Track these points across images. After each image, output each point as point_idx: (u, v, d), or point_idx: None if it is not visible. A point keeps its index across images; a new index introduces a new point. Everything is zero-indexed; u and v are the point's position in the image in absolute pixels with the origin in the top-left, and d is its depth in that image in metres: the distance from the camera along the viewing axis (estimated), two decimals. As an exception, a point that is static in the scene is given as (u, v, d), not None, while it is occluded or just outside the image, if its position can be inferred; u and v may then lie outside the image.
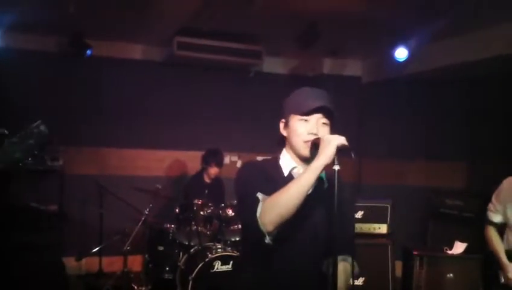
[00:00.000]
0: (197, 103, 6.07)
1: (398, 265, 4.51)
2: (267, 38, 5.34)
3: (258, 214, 1.69)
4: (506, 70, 4.77)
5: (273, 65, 6.30)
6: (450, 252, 4.24)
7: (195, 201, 4.52)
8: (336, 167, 1.67)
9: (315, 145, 1.75)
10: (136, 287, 4.47)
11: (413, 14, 4.29)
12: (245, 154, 6.07)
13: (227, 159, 5.75)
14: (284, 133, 1.91)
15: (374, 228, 4.46)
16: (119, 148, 5.83)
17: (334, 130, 1.84)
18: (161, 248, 4.66)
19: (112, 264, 5.25)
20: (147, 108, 5.86)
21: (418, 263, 4.19)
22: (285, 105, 1.91)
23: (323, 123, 1.83)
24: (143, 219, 4.62)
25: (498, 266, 3.12)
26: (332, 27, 4.69)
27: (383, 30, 4.68)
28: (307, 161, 1.80)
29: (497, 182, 3.23)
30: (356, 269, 1.84)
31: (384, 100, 6.06)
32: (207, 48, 5.35)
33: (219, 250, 4.23)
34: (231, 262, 4.16)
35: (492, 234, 3.19)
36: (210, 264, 4.11)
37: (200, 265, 4.06)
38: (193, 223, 4.46)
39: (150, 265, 4.77)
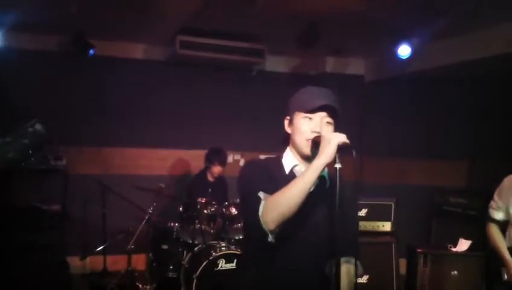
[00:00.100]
0: (200, 101, 6.07)
1: (402, 263, 4.51)
2: (269, 37, 5.34)
3: (260, 213, 1.70)
4: (507, 70, 4.78)
5: (276, 64, 6.29)
6: (454, 249, 4.24)
7: (199, 200, 4.53)
8: (337, 166, 1.67)
9: (316, 144, 1.75)
10: (140, 285, 4.48)
11: (413, 14, 4.28)
12: (248, 153, 6.07)
13: (230, 158, 5.75)
14: (289, 130, 1.92)
15: (378, 226, 4.46)
16: (121, 147, 5.84)
17: (337, 129, 1.84)
18: (165, 247, 4.66)
19: (116, 263, 5.26)
20: (149, 107, 5.86)
21: (422, 260, 4.19)
22: (290, 103, 1.91)
23: (327, 122, 1.83)
24: (147, 217, 4.62)
25: (501, 263, 3.12)
26: (333, 26, 4.69)
27: (384, 29, 4.68)
28: (309, 159, 1.80)
29: (499, 180, 3.22)
30: (360, 270, 1.84)
31: (386, 99, 6.05)
32: (209, 47, 5.35)
33: (223, 248, 4.23)
34: (235, 260, 4.16)
35: (494, 231, 3.18)
36: (214, 263, 4.12)
37: (204, 263, 4.07)
38: (197, 221, 4.47)
39: (154, 264, 4.78)
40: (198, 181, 5.12)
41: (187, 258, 4.35)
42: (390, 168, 6.10)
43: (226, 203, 4.58)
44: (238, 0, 4.20)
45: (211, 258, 4.10)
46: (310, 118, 1.83)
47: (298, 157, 1.89)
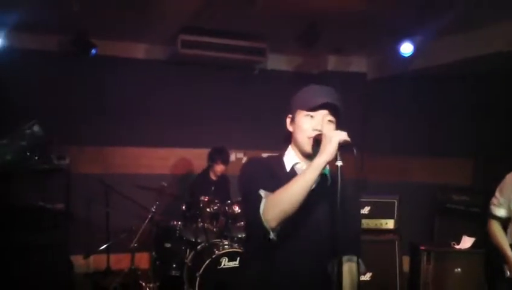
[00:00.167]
0: (202, 100, 6.08)
1: (406, 260, 4.51)
2: (271, 36, 5.34)
3: (261, 210, 1.70)
4: (509, 67, 4.78)
5: (278, 62, 6.29)
6: (457, 247, 4.24)
7: (202, 198, 4.53)
8: (339, 163, 1.67)
9: (317, 142, 1.75)
10: (143, 284, 4.49)
11: (414, 12, 4.28)
12: (250, 151, 6.07)
13: (233, 157, 5.76)
14: (290, 128, 1.92)
15: (381, 224, 4.45)
16: (123, 146, 5.85)
17: (339, 127, 1.83)
18: (168, 245, 4.68)
19: (120, 261, 5.28)
20: (151, 107, 5.86)
21: (425, 258, 4.19)
22: (292, 101, 1.92)
23: (329, 120, 1.83)
24: (150, 216, 4.64)
25: (503, 260, 3.11)
26: (334, 25, 4.69)
27: (386, 27, 4.68)
28: (310, 157, 1.80)
29: (502, 177, 3.22)
30: (362, 268, 1.84)
31: (389, 97, 6.04)
32: (211, 46, 5.35)
33: (226, 246, 4.24)
34: (238, 258, 4.17)
35: (496, 228, 3.18)
36: (217, 261, 4.12)
37: (207, 262, 4.07)
38: (199, 220, 4.48)
39: (157, 262, 4.79)
40: (201, 180, 5.13)
41: (190, 257, 4.36)
42: (393, 166, 6.09)
43: (229, 201, 4.58)
44: (238, 0, 4.20)
45: (213, 256, 4.11)
46: (312, 116, 1.83)
47: (300, 155, 1.89)
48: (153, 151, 5.97)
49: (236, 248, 4.22)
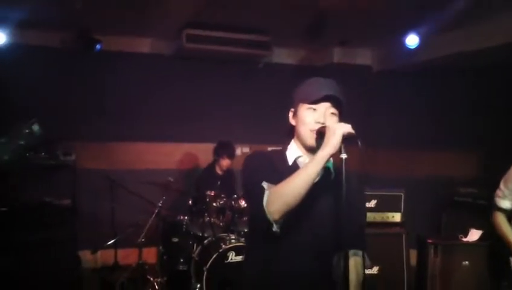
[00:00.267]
0: (207, 95, 6.07)
1: (413, 254, 4.49)
2: (276, 30, 5.32)
3: (264, 203, 1.70)
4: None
5: (283, 56, 6.27)
6: (465, 239, 4.22)
7: (208, 193, 4.54)
8: (343, 156, 1.65)
9: (320, 134, 1.73)
10: (151, 278, 4.50)
11: (419, 5, 4.24)
12: (256, 145, 6.05)
13: (238, 151, 5.75)
14: (293, 122, 1.91)
15: (388, 217, 4.43)
16: (128, 142, 5.86)
17: (342, 120, 1.81)
18: (175, 240, 4.69)
19: (127, 256, 5.31)
20: (156, 102, 5.87)
21: (432, 251, 4.17)
22: (294, 94, 1.90)
23: (332, 113, 1.81)
24: (156, 211, 4.65)
25: (508, 253, 3.09)
26: (339, 18, 4.66)
27: (391, 20, 4.64)
28: (313, 151, 1.78)
29: (507, 169, 3.19)
30: (367, 263, 1.83)
31: (394, 89, 6.01)
32: (216, 40, 5.34)
33: (232, 241, 4.24)
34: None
35: (501, 220, 3.14)
36: (224, 255, 4.13)
37: (214, 256, 4.08)
38: (206, 214, 4.48)
39: (165, 257, 4.81)
40: (207, 174, 5.13)
41: (197, 251, 4.37)
42: (400, 159, 6.07)
43: (235, 196, 4.59)
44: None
45: (220, 250, 4.11)
46: (314, 109, 1.81)
47: (302, 149, 1.88)
48: (159, 147, 5.97)
49: (243, 242, 4.22)
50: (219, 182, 4.88)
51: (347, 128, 1.66)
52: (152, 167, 5.82)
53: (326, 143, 1.66)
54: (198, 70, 6.01)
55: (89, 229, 5.29)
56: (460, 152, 5.77)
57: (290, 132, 1.93)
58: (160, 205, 4.65)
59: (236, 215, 4.60)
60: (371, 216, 4.33)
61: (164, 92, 5.88)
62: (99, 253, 5.35)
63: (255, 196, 1.75)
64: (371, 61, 6.38)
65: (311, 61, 6.40)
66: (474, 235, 4.21)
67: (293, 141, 1.93)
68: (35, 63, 5.19)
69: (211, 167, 5.18)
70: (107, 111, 5.66)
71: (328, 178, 1.85)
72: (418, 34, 4.88)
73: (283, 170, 1.80)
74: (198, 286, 4.11)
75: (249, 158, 1.96)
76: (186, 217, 4.70)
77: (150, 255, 5.36)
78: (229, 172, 5.14)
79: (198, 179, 5.20)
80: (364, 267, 1.79)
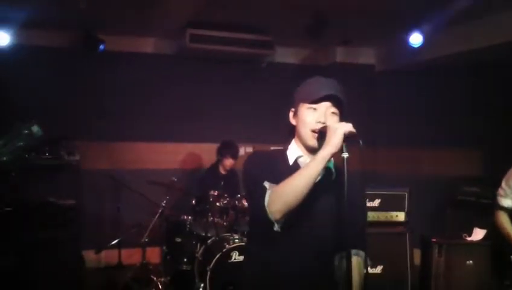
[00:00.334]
0: (210, 95, 6.08)
1: (417, 253, 4.48)
2: (279, 29, 5.32)
3: (265, 202, 1.70)
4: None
5: (286, 55, 6.27)
6: (469, 239, 4.20)
7: (211, 193, 4.54)
8: (345, 155, 1.64)
9: (322, 134, 1.73)
10: (155, 278, 4.51)
11: (423, 3, 4.23)
12: (260, 145, 6.06)
13: (242, 151, 5.76)
14: (293, 122, 1.90)
15: (392, 216, 4.41)
16: (132, 142, 5.87)
17: (343, 119, 1.80)
18: (178, 240, 4.69)
19: (131, 256, 5.32)
20: (159, 101, 5.88)
21: (436, 250, 4.15)
22: (295, 94, 1.90)
23: (332, 112, 1.80)
24: (160, 211, 4.65)
25: (511, 251, 3.08)
26: (342, 17, 4.65)
27: (394, 19, 4.63)
28: (314, 151, 1.77)
29: (509, 168, 3.18)
30: (368, 262, 1.82)
31: (397, 88, 6.00)
32: (219, 40, 5.35)
33: (236, 240, 4.24)
34: (248, 252, 4.17)
35: (504, 219, 3.15)
36: (227, 255, 4.13)
37: (217, 256, 4.08)
38: (209, 214, 4.48)
39: (168, 257, 4.81)
40: (210, 174, 5.14)
41: (201, 251, 4.37)
42: (402, 158, 6.06)
43: (238, 195, 4.59)
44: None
45: (224, 250, 4.11)
46: (315, 109, 1.80)
47: (303, 149, 1.87)
48: (163, 147, 5.98)
49: (246, 242, 4.22)
50: (222, 182, 4.88)
51: (348, 127, 1.65)
52: (156, 167, 5.83)
53: (327, 142, 1.65)
54: (201, 70, 6.02)
55: (92, 229, 5.31)
56: (463, 150, 5.75)
57: (291, 132, 1.92)
58: (163, 205, 4.66)
59: (239, 215, 4.60)
60: (375, 215, 4.31)
61: (167, 91, 5.89)
62: (103, 253, 5.37)
63: (257, 196, 1.75)
64: (373, 60, 6.38)
65: (314, 61, 6.39)
66: (478, 234, 4.19)
67: (293, 140, 1.92)
68: (39, 64, 5.21)
69: (215, 166, 5.18)
70: (110, 111, 5.67)
71: (329, 178, 1.84)
72: (422, 32, 4.86)
73: (284, 170, 1.80)
74: (202, 285, 4.11)
75: (249, 158, 1.95)
76: (189, 217, 4.70)
77: (154, 255, 5.36)
78: (232, 172, 5.14)
79: (202, 179, 5.20)
80: (366, 268, 1.79)
